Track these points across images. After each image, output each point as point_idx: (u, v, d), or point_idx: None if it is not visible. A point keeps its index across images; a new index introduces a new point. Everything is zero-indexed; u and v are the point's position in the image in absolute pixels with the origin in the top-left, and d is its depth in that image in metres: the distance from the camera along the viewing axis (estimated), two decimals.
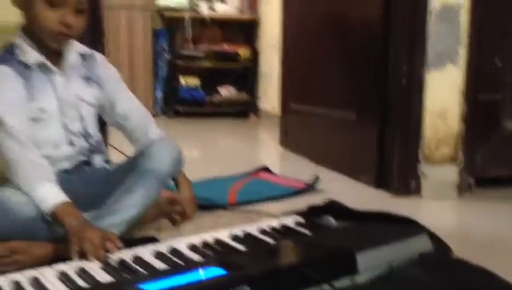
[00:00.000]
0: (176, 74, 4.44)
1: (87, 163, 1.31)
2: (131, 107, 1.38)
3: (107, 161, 1.38)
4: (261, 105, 4.57)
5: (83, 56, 1.31)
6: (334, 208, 1.29)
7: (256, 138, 3.86)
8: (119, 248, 1.02)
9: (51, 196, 1.09)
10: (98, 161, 1.34)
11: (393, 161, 1.86)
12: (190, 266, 0.93)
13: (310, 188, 1.89)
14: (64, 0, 1.15)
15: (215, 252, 1.03)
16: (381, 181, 1.92)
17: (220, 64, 4.51)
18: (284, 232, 1.16)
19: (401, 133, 1.83)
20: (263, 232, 1.15)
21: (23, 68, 1.20)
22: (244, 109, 4.60)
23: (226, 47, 4.52)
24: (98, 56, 1.37)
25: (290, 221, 1.23)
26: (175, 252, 1.02)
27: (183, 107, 4.41)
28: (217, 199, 1.67)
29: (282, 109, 2.95)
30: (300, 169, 2.31)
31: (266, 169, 2.18)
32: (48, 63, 1.23)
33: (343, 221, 1.23)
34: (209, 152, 2.92)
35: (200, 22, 4.41)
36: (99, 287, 0.88)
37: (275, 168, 2.21)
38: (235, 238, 1.11)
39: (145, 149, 1.25)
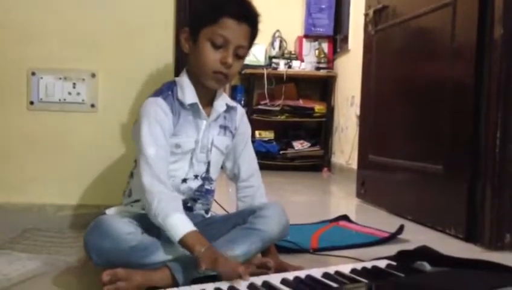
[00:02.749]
0: (251, 127, 4.56)
1: (189, 208, 1.37)
2: (250, 170, 1.45)
3: (207, 211, 1.44)
4: (334, 159, 4.56)
5: (228, 107, 1.40)
6: (426, 253, 1.25)
7: (331, 190, 3.83)
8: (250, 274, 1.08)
9: (181, 225, 1.15)
10: (198, 207, 1.40)
11: (485, 213, 1.78)
12: None
13: (394, 237, 1.84)
14: (227, 42, 1.25)
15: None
16: (471, 234, 1.84)
17: (294, 118, 4.60)
18: (376, 273, 1.14)
19: (495, 186, 1.76)
20: (355, 272, 1.13)
21: (177, 105, 1.31)
22: (317, 163, 4.62)
23: (302, 102, 4.62)
24: (240, 109, 1.46)
25: (381, 263, 1.20)
26: (311, 278, 1.06)
27: (257, 159, 4.49)
28: (300, 243, 1.67)
29: (359, 160, 2.93)
30: (380, 220, 2.25)
31: (346, 218, 2.16)
32: (200, 107, 1.32)
33: (438, 266, 1.19)
34: (284, 204, 2.92)
35: (277, 78, 4.56)
36: None
37: (353, 218, 2.18)
38: (335, 273, 1.10)
39: (257, 209, 1.32)
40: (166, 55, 1.73)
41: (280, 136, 4.71)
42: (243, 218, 1.32)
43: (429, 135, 2.20)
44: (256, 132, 4.61)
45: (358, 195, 2.87)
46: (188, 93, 1.31)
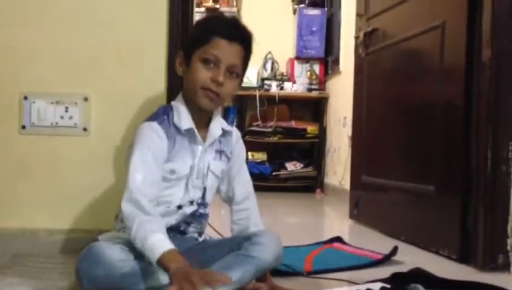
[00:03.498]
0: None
1: (182, 231, 1.37)
2: (244, 193, 1.44)
3: (200, 233, 1.43)
4: (327, 180, 4.57)
5: (224, 132, 1.40)
6: (420, 275, 1.25)
7: (324, 211, 3.83)
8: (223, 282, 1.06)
9: (159, 244, 1.13)
10: (191, 231, 1.39)
11: (478, 234, 1.78)
12: None
13: (387, 259, 1.83)
14: (218, 61, 1.27)
15: None
16: (464, 255, 1.83)
17: (287, 140, 4.61)
18: None
19: (487, 207, 1.77)
20: None
21: (173, 130, 1.30)
22: (310, 184, 4.62)
23: (294, 123, 4.64)
24: (235, 132, 1.46)
25: (375, 286, 1.20)
26: None
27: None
28: (294, 266, 1.66)
29: (352, 181, 2.94)
30: (373, 241, 2.25)
31: (339, 239, 2.15)
32: (196, 132, 1.32)
33: (432, 289, 1.18)
34: (277, 226, 2.91)
35: (269, 100, 4.59)
36: None
37: (346, 240, 2.17)
38: None
39: (253, 236, 1.30)
40: (158, 79, 1.73)
41: (273, 157, 4.71)
42: (238, 243, 1.30)
43: (421, 156, 2.21)
44: (249, 153, 4.61)
45: (351, 216, 2.87)
46: (184, 118, 1.31)
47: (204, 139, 1.34)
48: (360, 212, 2.77)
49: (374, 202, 2.63)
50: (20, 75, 1.73)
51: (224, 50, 1.27)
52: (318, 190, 4.57)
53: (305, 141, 4.69)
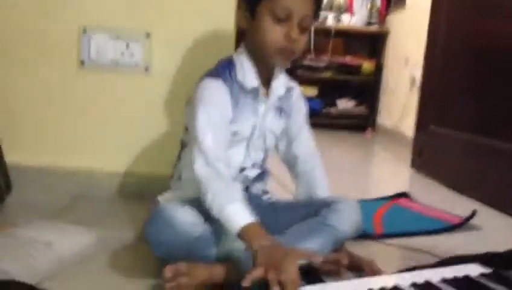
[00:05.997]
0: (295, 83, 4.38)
1: (246, 189, 1.28)
2: (307, 152, 1.34)
3: (265, 191, 1.34)
4: (380, 120, 4.37)
5: (287, 89, 1.28)
6: None
7: (378, 154, 3.67)
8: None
9: (240, 216, 1.04)
10: (255, 188, 1.31)
11: None
12: None
13: (465, 223, 1.70)
14: (290, 15, 1.11)
15: None
16: None
17: (340, 76, 4.40)
18: (470, 285, 1.01)
19: None
20: (446, 282, 1.01)
21: (237, 88, 1.19)
22: (361, 123, 4.44)
23: (348, 59, 4.39)
24: (297, 88, 1.34)
25: (473, 271, 1.07)
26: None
27: None
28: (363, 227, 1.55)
29: (418, 128, 2.75)
30: (440, 197, 2.12)
31: (406, 195, 2.02)
32: (261, 91, 1.21)
33: None
34: (329, 167, 2.80)
35: (324, 33, 4.32)
36: None
37: (408, 191, 2.04)
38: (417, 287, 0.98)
39: (332, 203, 1.19)
40: (227, 18, 1.57)
41: (324, 93, 4.52)
42: (316, 210, 1.19)
43: (506, 108, 1.99)
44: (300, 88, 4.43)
45: (413, 164, 2.71)
46: (249, 75, 1.19)
47: (265, 95, 1.22)
48: (424, 162, 2.61)
49: (442, 154, 2.45)
50: (79, 6, 1.59)
51: (296, 0, 1.11)
52: (369, 129, 4.40)
53: (360, 78, 4.45)
